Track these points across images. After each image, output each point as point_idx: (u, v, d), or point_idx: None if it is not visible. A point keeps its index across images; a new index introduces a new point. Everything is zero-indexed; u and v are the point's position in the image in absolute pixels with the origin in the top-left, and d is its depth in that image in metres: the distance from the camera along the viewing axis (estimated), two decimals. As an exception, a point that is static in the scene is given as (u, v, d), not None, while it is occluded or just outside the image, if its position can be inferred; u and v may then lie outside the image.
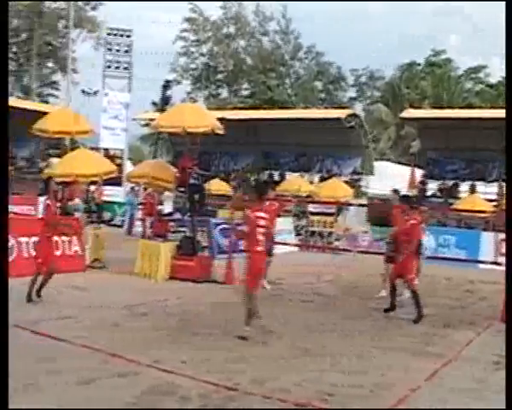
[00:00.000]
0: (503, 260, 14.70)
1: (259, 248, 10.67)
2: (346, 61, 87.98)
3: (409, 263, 13.67)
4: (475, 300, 16.71)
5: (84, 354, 9.35)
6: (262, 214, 10.82)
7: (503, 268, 14.10)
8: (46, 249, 13.52)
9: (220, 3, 74.24)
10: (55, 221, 13.70)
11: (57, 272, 13.55)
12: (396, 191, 17.47)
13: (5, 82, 8.57)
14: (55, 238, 16.70)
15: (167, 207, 26.69)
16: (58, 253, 16.93)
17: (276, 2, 71.55)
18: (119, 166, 35.22)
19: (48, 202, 13.68)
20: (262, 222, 10.70)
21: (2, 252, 7.82)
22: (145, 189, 25.37)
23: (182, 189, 18.57)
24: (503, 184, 31.52)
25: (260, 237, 10.63)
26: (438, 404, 8.04)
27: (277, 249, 21.58)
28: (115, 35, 42.95)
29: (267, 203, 16.63)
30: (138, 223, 28.39)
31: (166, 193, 22.94)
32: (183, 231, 19.12)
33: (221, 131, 18.09)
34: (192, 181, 17.89)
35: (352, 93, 78.42)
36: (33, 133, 21.06)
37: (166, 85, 46.51)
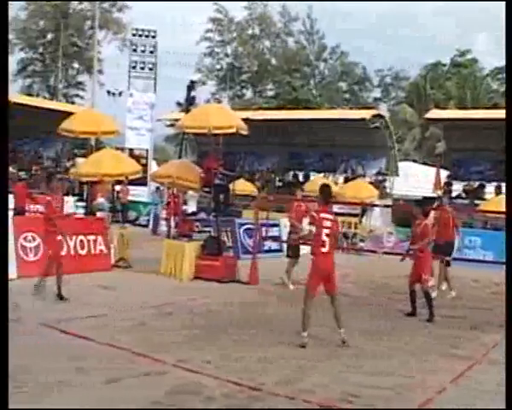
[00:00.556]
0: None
1: (324, 250, 10.62)
2: (371, 61, 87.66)
3: (423, 264, 13.69)
4: (502, 302, 16.57)
5: (111, 353, 9.40)
6: (327, 216, 10.83)
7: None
8: (52, 245, 13.61)
9: (245, 4, 74.35)
10: (56, 217, 13.70)
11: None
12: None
13: (5, 82, 8.61)
14: (81, 237, 16.87)
15: (192, 207, 26.77)
16: (83, 252, 17.06)
17: (301, 2, 71.44)
18: (144, 166, 35.31)
19: (48, 198, 13.76)
20: (327, 223, 10.68)
21: (2, 252, 7.82)
22: (169, 188, 25.43)
23: (207, 189, 18.60)
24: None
25: (325, 239, 10.60)
26: (463, 406, 8.01)
27: (303, 250, 21.61)
28: (140, 36, 43.09)
29: (295, 204, 16.62)
30: (163, 222, 28.48)
31: (190, 193, 23.01)
32: (208, 231, 19.17)
33: (245, 132, 18.12)
34: (217, 181, 17.91)
35: (376, 93, 78.36)
36: (59, 133, 21.14)
37: (191, 86, 46.53)
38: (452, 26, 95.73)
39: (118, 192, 23.39)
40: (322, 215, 10.77)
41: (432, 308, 13.39)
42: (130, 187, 31.55)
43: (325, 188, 11.43)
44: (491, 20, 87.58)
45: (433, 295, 15.92)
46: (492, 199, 29.63)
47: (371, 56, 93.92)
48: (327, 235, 10.60)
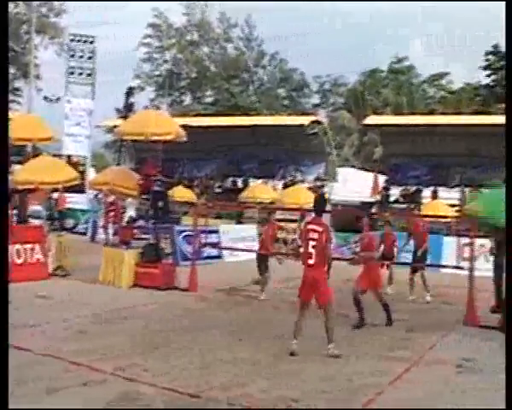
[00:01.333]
0: (465, 264, 14.89)
1: (310, 262, 10.70)
2: (310, 67, 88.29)
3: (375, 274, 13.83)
4: (438, 304, 16.84)
5: (49, 363, 9.27)
6: (315, 227, 10.85)
7: (465, 272, 14.33)
8: None
9: (184, 10, 74.21)
10: None
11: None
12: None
13: (5, 82, 8.49)
14: (18, 246, 16.59)
15: (130, 214, 26.57)
16: (20, 260, 16.79)
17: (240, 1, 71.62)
18: (83, 173, 34.92)
19: None
20: (314, 235, 10.73)
21: (2, 253, 7.81)
22: (107, 196, 25.20)
23: (145, 196, 18.51)
24: (466, 189, 31.91)
25: (311, 250, 10.68)
26: (402, 407, 8.10)
27: (241, 256, 21.66)
28: (78, 41, 42.57)
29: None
30: (102, 230, 28.23)
31: (129, 200, 22.86)
32: (147, 239, 19.05)
33: (184, 139, 18.08)
34: (155, 188, 17.84)
35: (315, 100, 78.79)
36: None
37: (129, 92, 46.25)
38: (389, 33, 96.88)
39: (55, 200, 23.04)
40: (310, 227, 10.90)
41: (389, 314, 13.60)
42: (68, 194, 31.16)
43: (319, 198, 11.68)
44: (428, 28, 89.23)
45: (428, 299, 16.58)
46: (429, 203, 30.10)
47: (310, 63, 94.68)
48: (313, 247, 10.69)
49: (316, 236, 10.72)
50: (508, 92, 10.13)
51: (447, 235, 25.43)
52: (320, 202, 11.41)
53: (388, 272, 18.68)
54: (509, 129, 9.99)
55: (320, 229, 10.80)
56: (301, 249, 11.17)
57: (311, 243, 10.68)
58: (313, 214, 11.39)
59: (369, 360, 10.41)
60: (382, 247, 16.69)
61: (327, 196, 30.62)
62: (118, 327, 12.07)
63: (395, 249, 18.52)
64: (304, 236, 10.89)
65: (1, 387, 6.12)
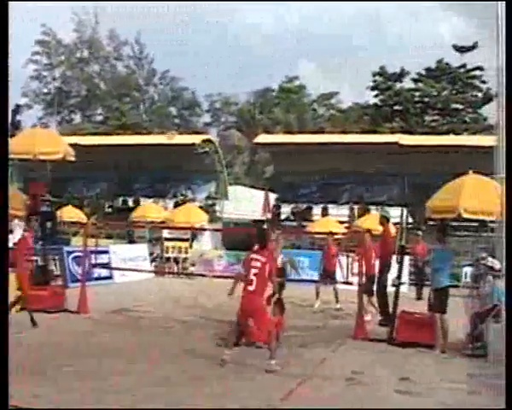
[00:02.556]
0: (354, 279, 15.17)
1: (250, 288, 11.06)
2: (201, 86, 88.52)
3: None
4: (329, 320, 17.08)
5: None
6: (258, 257, 11.29)
7: (354, 287, 14.64)
8: None
9: (74, 26, 73.30)
10: None
11: None
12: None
13: (5, 82, 8.17)
14: None
15: (17, 236, 25.92)
16: None
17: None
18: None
19: None
20: (256, 264, 11.17)
21: (2, 254, 7.77)
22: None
23: (33, 216, 18.10)
24: (354, 206, 32.62)
25: (252, 278, 11.07)
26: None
27: (132, 277, 21.44)
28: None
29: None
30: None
31: (16, 221, 22.28)
32: (35, 260, 18.60)
33: (72, 158, 17.81)
34: (44, 208, 17.49)
35: (206, 118, 79.07)
36: None
37: (16, 110, 45.34)
38: (280, 54, 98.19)
39: None
40: (252, 256, 11.34)
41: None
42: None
43: (260, 231, 12.51)
44: (317, 49, 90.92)
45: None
46: (319, 220, 30.59)
47: (201, 81, 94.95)
48: (255, 274, 11.06)
49: (258, 264, 11.17)
50: (508, 92, 10.25)
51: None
52: (261, 235, 11.94)
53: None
54: (509, 129, 10.03)
55: (263, 259, 11.26)
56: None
57: (253, 270, 11.12)
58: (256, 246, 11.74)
59: (260, 375, 10.43)
60: None
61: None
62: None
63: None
64: (247, 264, 11.34)
65: (1, 387, 5.86)
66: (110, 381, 9.87)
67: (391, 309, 14.19)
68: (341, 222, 30.15)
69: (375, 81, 64.13)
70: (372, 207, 31.60)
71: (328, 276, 19.96)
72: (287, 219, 34.45)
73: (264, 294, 11.50)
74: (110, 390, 9.32)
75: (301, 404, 9.00)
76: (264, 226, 20.88)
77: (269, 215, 33.12)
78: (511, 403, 6.96)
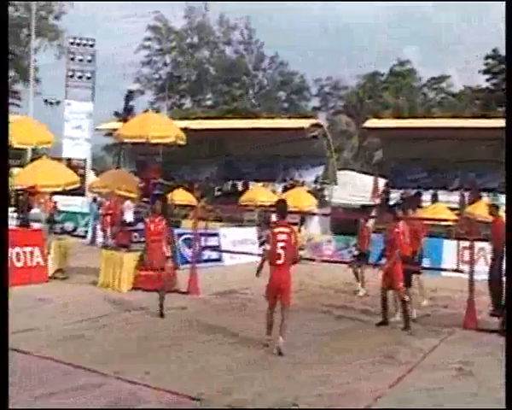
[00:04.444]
0: (465, 267, 14.83)
1: (279, 262, 10.89)
2: (310, 71, 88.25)
3: (396, 272, 13.68)
4: (438, 307, 16.81)
5: (47, 366, 9.25)
6: (283, 229, 11.07)
7: (465, 276, 14.30)
8: None
9: (184, 13, 74.28)
10: None
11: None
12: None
13: (5, 82, 8.48)
14: (17, 249, 16.55)
15: (129, 217, 26.56)
16: (20, 264, 16.75)
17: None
18: (82, 176, 34.89)
19: None
20: (282, 237, 10.96)
21: (2, 256, 7.83)
22: (107, 199, 25.21)
23: (145, 199, 18.50)
24: (465, 193, 31.89)
25: (280, 251, 10.87)
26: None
27: (241, 259, 21.62)
28: (78, 44, 42.66)
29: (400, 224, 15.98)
30: (101, 233, 28.22)
31: (127, 203, 22.83)
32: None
33: (184, 142, 18.05)
34: (156, 191, 17.82)
35: (315, 103, 78.82)
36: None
37: (129, 95, 46.40)
38: (387, 37, 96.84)
39: (45, 202, 22.95)
40: (277, 230, 11.04)
41: (408, 317, 13.54)
42: (68, 197, 31.12)
43: (281, 203, 11.80)
44: (426, 32, 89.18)
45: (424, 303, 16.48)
46: (429, 206, 30.07)
47: (310, 66, 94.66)
48: (282, 248, 10.86)
49: (284, 237, 10.96)
50: (508, 92, 10.07)
51: (447, 238, 25.38)
52: (282, 207, 11.60)
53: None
54: (509, 130, 9.93)
55: (288, 230, 11.10)
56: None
57: (280, 244, 10.90)
58: (277, 218, 11.59)
59: (368, 363, 10.37)
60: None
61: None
62: (116, 330, 12.05)
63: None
64: (272, 238, 11.02)
65: (1, 387, 6.09)
66: (215, 359, 10.05)
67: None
68: (452, 209, 29.55)
69: (487, 64, 62.46)
70: (484, 194, 30.85)
71: (362, 256, 19.60)
72: (396, 204, 34.01)
73: (290, 267, 11.21)
74: (211, 370, 9.51)
75: (410, 392, 8.90)
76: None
77: (378, 201, 32.80)
78: (511, 403, 6.87)
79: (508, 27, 10.06)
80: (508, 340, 8.37)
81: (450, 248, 22.84)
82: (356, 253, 20.38)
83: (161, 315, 13.56)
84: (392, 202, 33.96)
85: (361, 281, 18.82)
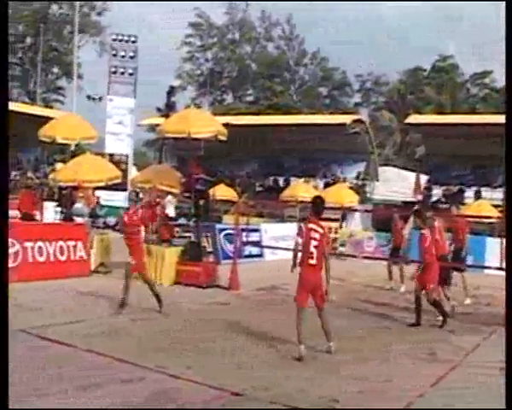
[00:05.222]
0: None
1: (312, 262, 10.39)
2: (352, 66, 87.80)
3: (430, 271, 13.53)
4: (481, 305, 16.65)
5: (90, 359, 9.33)
6: (316, 227, 10.55)
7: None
8: None
9: (225, 9, 74.45)
10: None
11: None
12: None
13: (5, 81, 8.54)
14: (61, 243, 16.72)
15: (170, 213, 26.71)
16: (63, 258, 16.93)
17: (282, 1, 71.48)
18: (124, 171, 35.19)
19: None
20: (315, 235, 10.44)
21: (2, 255, 7.74)
22: (150, 193, 25.36)
23: (187, 194, 18.58)
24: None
25: (313, 250, 10.37)
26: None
27: (282, 255, 21.60)
28: (120, 41, 43.01)
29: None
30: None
31: (168, 198, 22.97)
32: (188, 237, 19.09)
33: (225, 137, 18.09)
34: (197, 186, 17.88)
35: (357, 99, 78.49)
36: (39, 139, 21.02)
37: (171, 91, 46.46)
38: (429, 32, 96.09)
39: (81, 197, 23.17)
40: (311, 226, 10.53)
41: (444, 314, 13.41)
42: (110, 192, 31.42)
43: (317, 200, 11.19)
44: (469, 27, 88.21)
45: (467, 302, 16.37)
46: (473, 203, 29.78)
47: (351, 61, 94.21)
48: (315, 247, 10.38)
49: (317, 236, 10.46)
50: (508, 92, 9.95)
51: (490, 236, 25.13)
52: (318, 203, 11.08)
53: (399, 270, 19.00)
54: (509, 130, 9.82)
55: (321, 230, 10.57)
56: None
57: (313, 242, 10.39)
58: (311, 215, 10.99)
59: (409, 361, 10.31)
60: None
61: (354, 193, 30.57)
62: (158, 324, 12.13)
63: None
64: (306, 234, 10.47)
65: (1, 387, 6.15)
66: (256, 354, 10.13)
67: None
68: (495, 206, 29.23)
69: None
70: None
71: (396, 252, 19.50)
72: (438, 201, 33.75)
73: (322, 267, 10.64)
74: (252, 365, 9.54)
75: (452, 391, 8.82)
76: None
77: (420, 197, 32.58)
78: (511, 403, 6.77)
79: (508, 27, 9.96)
80: (508, 340, 8.29)
81: (493, 245, 22.64)
82: (390, 248, 20.41)
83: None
84: (433, 199, 33.77)
85: (401, 277, 18.75)
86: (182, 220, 23.26)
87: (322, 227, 10.69)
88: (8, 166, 15.72)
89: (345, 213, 30.47)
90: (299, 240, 10.53)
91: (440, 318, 13.66)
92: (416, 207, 18.82)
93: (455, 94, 66.91)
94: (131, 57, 43.06)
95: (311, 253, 10.35)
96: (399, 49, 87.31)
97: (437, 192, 34.88)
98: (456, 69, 70.29)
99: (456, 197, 33.09)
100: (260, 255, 24.21)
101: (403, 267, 18.79)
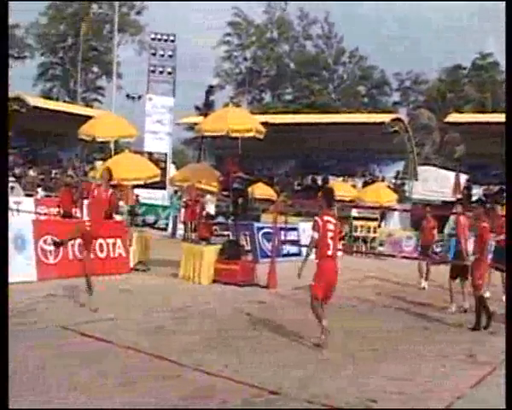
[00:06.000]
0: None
1: (329, 253, 10.53)
2: (390, 65, 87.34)
3: (478, 269, 13.37)
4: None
5: (129, 356, 9.39)
6: (331, 219, 10.66)
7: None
8: None
9: (264, 8, 74.50)
10: None
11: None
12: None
13: (5, 81, 8.62)
14: (100, 240, 16.84)
15: (209, 211, 26.81)
16: (103, 255, 17.06)
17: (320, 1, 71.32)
18: (163, 169, 35.36)
19: None
20: (331, 226, 10.56)
21: (2, 254, 7.75)
22: (188, 192, 25.48)
23: (225, 192, 18.62)
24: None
25: (330, 242, 10.50)
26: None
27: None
28: (159, 40, 43.24)
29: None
30: (182, 226, 28.56)
31: (208, 196, 23.05)
32: (227, 235, 19.15)
33: (262, 136, 18.08)
34: (236, 185, 17.90)
35: (395, 97, 78.09)
36: (79, 137, 21.23)
37: (210, 90, 46.70)
38: (466, 31, 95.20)
39: (121, 195, 23.32)
40: (326, 218, 10.61)
41: (480, 318, 13.06)
42: (149, 190, 31.60)
43: (328, 191, 11.38)
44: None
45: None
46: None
47: (390, 60, 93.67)
48: (331, 238, 10.52)
49: (332, 227, 10.59)
50: (508, 92, 9.84)
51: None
52: (330, 195, 11.18)
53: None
54: (509, 130, 9.71)
55: (334, 221, 10.73)
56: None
57: (330, 234, 10.51)
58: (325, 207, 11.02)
59: (449, 361, 10.21)
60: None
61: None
62: (196, 322, 12.16)
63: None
64: (323, 226, 10.51)
65: (1, 387, 6.19)
66: (293, 353, 10.13)
67: None
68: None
69: None
70: None
71: (425, 250, 19.35)
72: (478, 200, 33.44)
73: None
74: (290, 363, 9.52)
75: (491, 393, 8.72)
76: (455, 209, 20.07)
77: (459, 196, 32.32)
78: (511, 403, 6.72)
79: (508, 27, 9.86)
80: (508, 340, 8.16)
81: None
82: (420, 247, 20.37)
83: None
84: (474, 198, 33.46)
85: (425, 274, 18.75)
86: (220, 219, 23.34)
87: (335, 218, 10.90)
88: (8, 167, 15.82)
89: (384, 212, 30.34)
90: (316, 235, 10.57)
91: (453, 309, 13.75)
92: (457, 205, 18.53)
93: (495, 92, 66.16)
94: (170, 56, 43.28)
95: (328, 245, 10.51)
96: (439, 47, 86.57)
97: (477, 192, 34.58)
98: (496, 67, 69.52)
99: (496, 197, 32.78)
100: (298, 254, 24.10)
101: (430, 267, 18.80)
